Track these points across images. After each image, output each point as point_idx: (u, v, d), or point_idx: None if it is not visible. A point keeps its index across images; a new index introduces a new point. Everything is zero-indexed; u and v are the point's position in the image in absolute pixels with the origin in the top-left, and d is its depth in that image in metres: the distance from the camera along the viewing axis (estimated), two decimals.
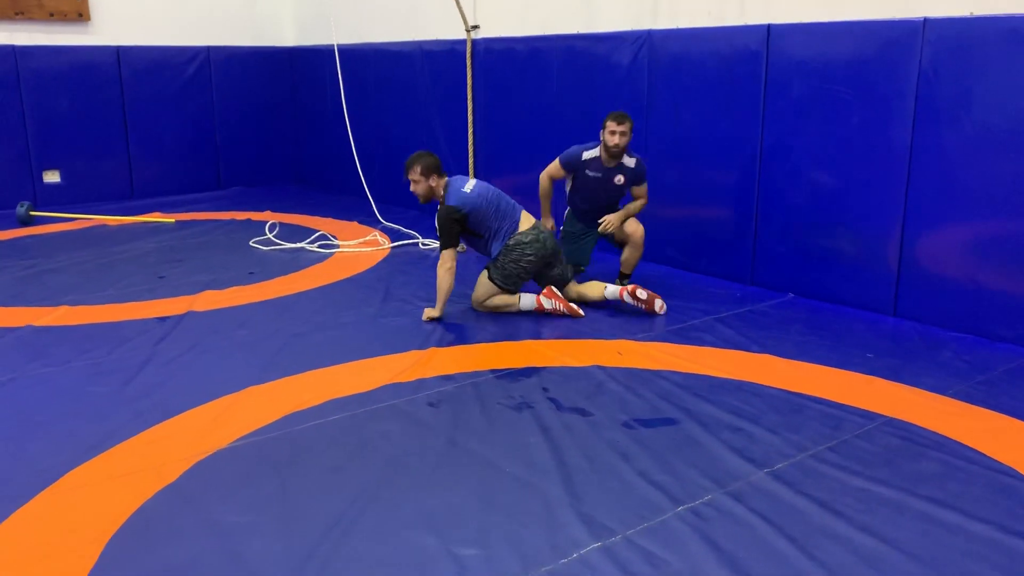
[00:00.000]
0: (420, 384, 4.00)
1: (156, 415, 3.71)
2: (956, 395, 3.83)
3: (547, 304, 5.07)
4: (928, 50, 4.63)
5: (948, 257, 4.74)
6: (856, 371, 4.15)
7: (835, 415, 3.63)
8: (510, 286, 5.09)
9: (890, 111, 4.84)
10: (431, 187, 5.04)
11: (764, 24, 5.37)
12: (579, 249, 5.69)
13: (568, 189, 5.60)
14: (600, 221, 5.38)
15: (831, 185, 5.19)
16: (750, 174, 5.59)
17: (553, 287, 5.16)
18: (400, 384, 3.99)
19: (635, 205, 5.49)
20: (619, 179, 5.34)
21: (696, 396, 3.85)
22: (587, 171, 5.35)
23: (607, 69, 6.40)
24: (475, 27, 7.63)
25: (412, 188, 5.05)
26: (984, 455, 3.26)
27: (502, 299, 5.13)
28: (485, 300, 5.12)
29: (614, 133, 5.19)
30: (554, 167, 5.50)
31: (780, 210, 5.50)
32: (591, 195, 5.46)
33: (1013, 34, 4.34)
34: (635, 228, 5.42)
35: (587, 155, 5.34)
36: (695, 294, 5.53)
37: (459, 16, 7.60)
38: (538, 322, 4.98)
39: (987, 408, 3.69)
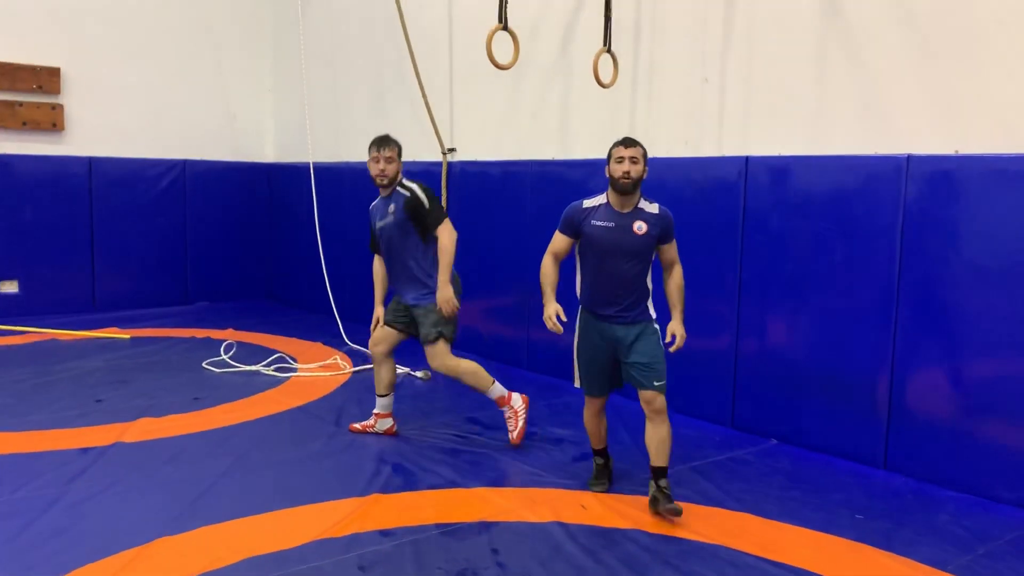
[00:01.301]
0: (353, 541, 3.53)
1: (47, 570, 3.24)
2: (956, 571, 3.39)
3: (516, 405, 4.86)
4: (913, 187, 4.41)
5: (941, 405, 4.38)
6: (844, 536, 3.71)
7: None
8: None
9: (875, 247, 4.58)
10: (398, 172, 4.75)
11: (742, 156, 5.18)
12: (596, 361, 4.06)
13: (578, 281, 4.12)
14: (668, 341, 3.98)
15: (813, 323, 4.88)
16: (729, 308, 5.28)
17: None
18: (330, 540, 3.52)
19: (677, 285, 4.03)
20: (640, 227, 3.84)
21: (665, 564, 3.40)
22: (593, 222, 3.90)
23: (582, 194, 6.15)
24: (451, 150, 7.49)
25: (383, 166, 4.66)
26: None
27: (474, 374, 4.82)
28: (451, 362, 4.80)
29: (621, 160, 3.81)
30: (555, 239, 4.09)
31: (760, 348, 5.16)
32: (605, 261, 3.90)
33: (999, 174, 4.14)
34: (655, 396, 3.90)
35: (589, 203, 3.98)
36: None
37: (436, 139, 7.48)
38: (497, 462, 4.54)
39: None
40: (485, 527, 3.71)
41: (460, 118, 7.43)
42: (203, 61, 9.76)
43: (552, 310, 4.01)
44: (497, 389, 4.83)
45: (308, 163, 8.54)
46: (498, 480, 4.32)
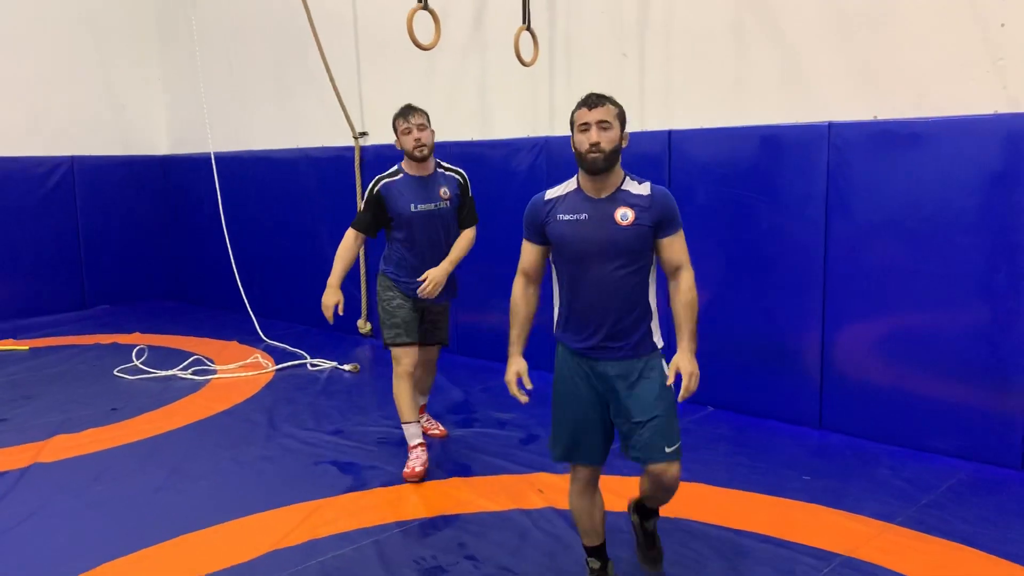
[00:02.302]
0: (312, 547, 3.40)
1: None
2: (906, 523, 3.53)
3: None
4: (835, 153, 4.54)
5: (871, 363, 4.55)
6: (795, 498, 3.81)
7: (786, 557, 3.25)
8: None
9: (800, 213, 4.69)
10: (433, 141, 4.22)
11: (665, 130, 5.22)
12: (580, 416, 2.87)
13: (555, 306, 2.95)
14: (678, 374, 2.76)
15: (744, 290, 4.98)
16: (659, 278, 5.32)
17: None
18: (287, 549, 3.38)
19: (685, 300, 2.82)
20: (624, 215, 2.73)
21: (629, 543, 3.40)
22: (559, 216, 2.80)
23: (505, 175, 6.14)
24: (363, 134, 7.29)
25: (417, 135, 4.10)
26: None
27: None
28: None
29: (586, 127, 2.72)
30: (522, 251, 2.95)
31: None
32: (582, 268, 2.79)
33: (916, 137, 4.29)
34: (666, 467, 2.83)
35: (554, 192, 2.87)
36: None
37: (346, 123, 7.26)
38: (445, 453, 4.46)
39: (943, 537, 3.38)
40: (446, 521, 3.64)
41: (370, 100, 7.23)
42: (82, 52, 9.13)
43: (514, 371, 2.89)
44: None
45: (208, 154, 8.16)
46: (449, 472, 4.24)
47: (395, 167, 4.27)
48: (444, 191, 4.26)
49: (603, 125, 2.72)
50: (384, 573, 3.18)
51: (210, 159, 8.06)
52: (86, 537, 3.55)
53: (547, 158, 5.84)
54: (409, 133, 4.14)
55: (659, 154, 5.23)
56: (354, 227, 4.28)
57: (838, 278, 4.60)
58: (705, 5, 5.03)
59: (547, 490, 3.93)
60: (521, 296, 2.95)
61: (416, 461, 4.16)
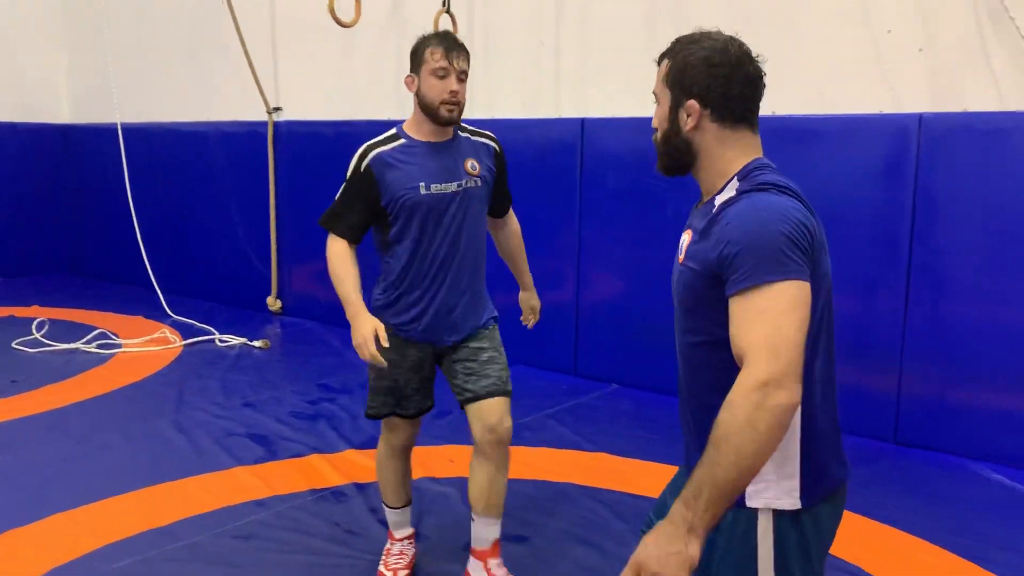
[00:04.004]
0: (225, 514, 3.44)
1: None
2: None
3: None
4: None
5: None
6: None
7: None
8: None
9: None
10: None
11: (579, 118, 5.39)
12: None
13: None
14: None
15: (648, 274, 5.21)
16: (569, 264, 5.53)
17: None
18: (201, 516, 3.42)
19: (719, 425, 1.38)
20: (681, 247, 1.74)
21: (540, 508, 3.58)
22: None
23: None
24: (277, 109, 7.23)
25: (457, 87, 2.64)
26: None
27: None
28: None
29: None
30: None
31: (601, 299, 5.45)
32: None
33: (811, 133, 4.58)
34: None
35: None
36: (521, 388, 5.29)
37: (259, 97, 7.18)
38: (356, 425, 4.54)
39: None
40: (359, 488, 3.73)
41: (286, 75, 7.18)
42: None
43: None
44: None
45: (114, 124, 7.93)
46: (361, 443, 4.32)
47: (392, 130, 2.79)
48: (472, 164, 2.79)
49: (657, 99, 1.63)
50: (300, 537, 3.25)
51: (116, 129, 7.84)
52: None
53: None
54: (445, 76, 2.65)
55: (572, 141, 5.40)
56: (332, 231, 2.76)
57: None
58: None
59: (457, 460, 4.07)
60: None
61: (397, 562, 2.98)
